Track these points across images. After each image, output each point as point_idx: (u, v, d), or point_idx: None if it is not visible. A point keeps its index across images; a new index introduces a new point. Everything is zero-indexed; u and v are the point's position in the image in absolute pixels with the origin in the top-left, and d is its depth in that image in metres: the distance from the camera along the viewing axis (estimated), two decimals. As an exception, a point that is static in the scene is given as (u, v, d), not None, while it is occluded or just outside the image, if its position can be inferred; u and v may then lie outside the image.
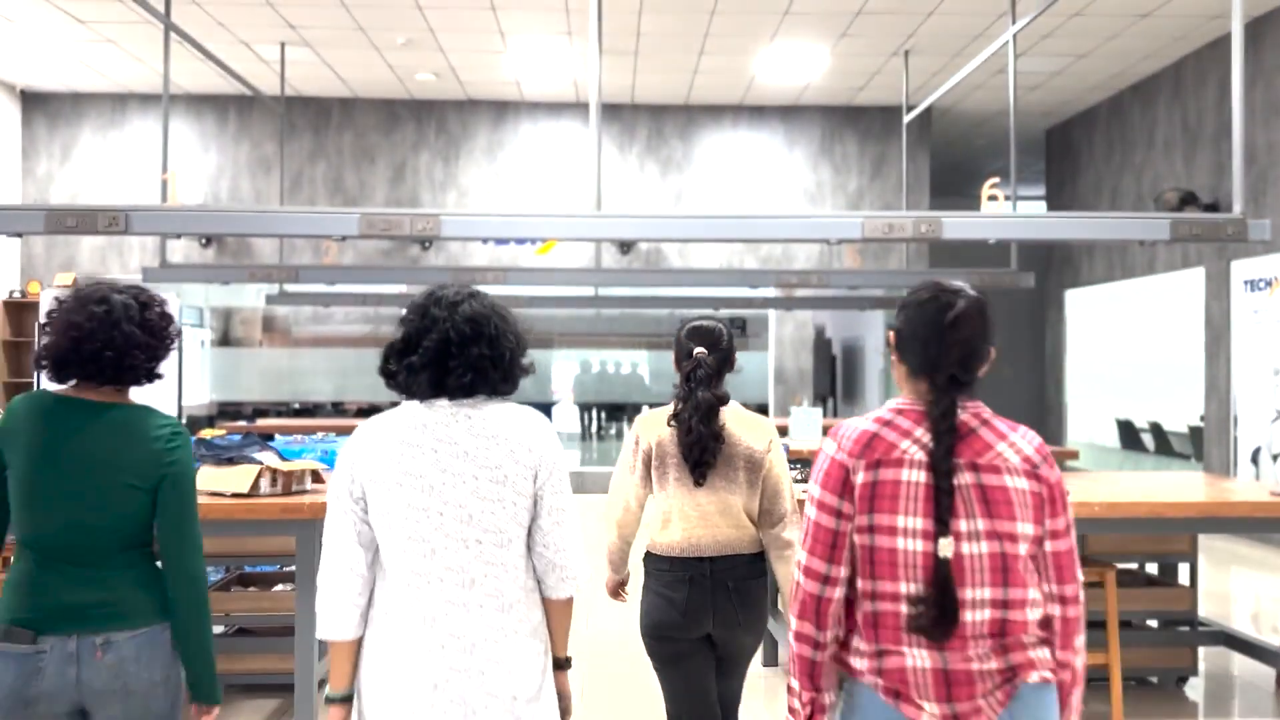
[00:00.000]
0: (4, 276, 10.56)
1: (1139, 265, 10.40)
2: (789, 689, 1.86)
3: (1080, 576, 1.86)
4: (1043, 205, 14.51)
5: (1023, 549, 1.78)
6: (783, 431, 7.88)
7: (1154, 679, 4.79)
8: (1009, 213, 4.20)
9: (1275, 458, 8.10)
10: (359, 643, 2.00)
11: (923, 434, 1.80)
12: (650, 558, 2.85)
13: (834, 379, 15.12)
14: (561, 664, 2.14)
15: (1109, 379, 11.06)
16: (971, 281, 7.46)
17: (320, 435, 7.31)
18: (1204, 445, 9.18)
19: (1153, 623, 4.92)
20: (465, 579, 1.96)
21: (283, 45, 8.98)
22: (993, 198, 4.34)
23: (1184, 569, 5.00)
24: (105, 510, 2.12)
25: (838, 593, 1.81)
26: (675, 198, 11.21)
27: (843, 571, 1.81)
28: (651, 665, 2.85)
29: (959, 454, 1.79)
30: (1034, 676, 1.77)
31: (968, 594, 1.74)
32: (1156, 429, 10.17)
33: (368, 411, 11.19)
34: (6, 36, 8.96)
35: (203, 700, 2.28)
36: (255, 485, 4.00)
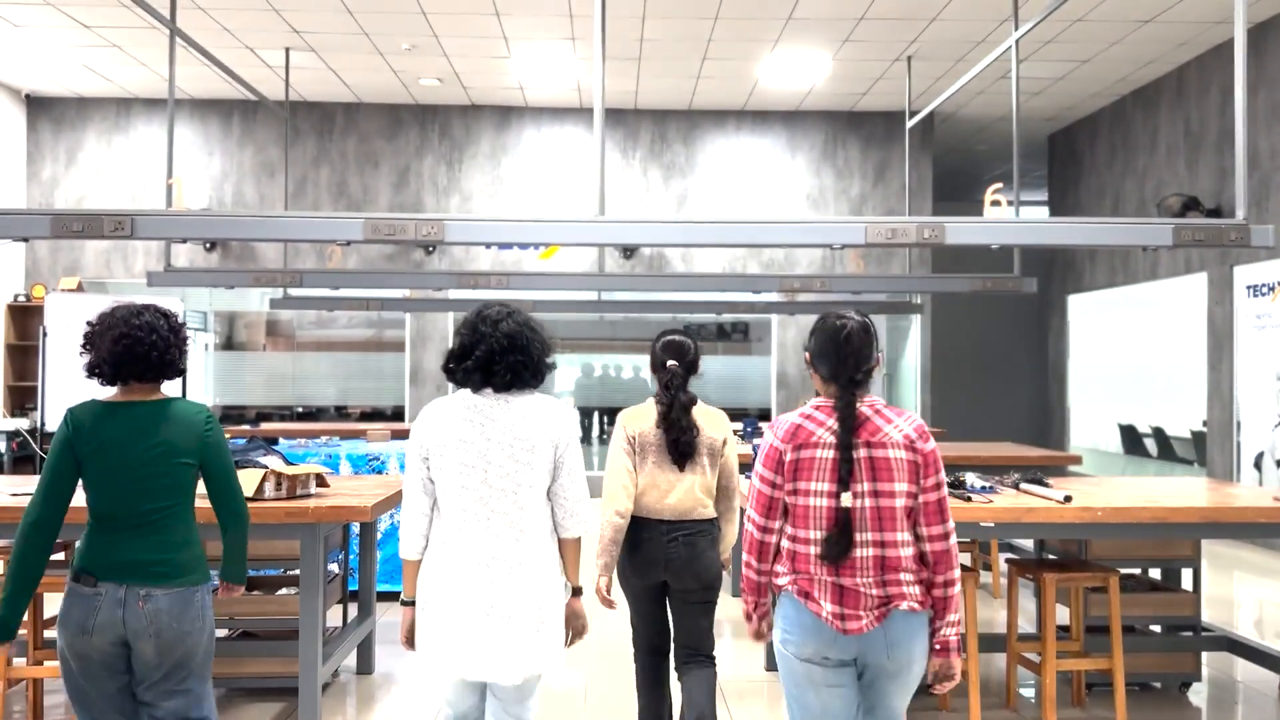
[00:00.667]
0: (9, 280, 10.59)
1: (1142, 270, 10.40)
2: (744, 599, 2.64)
3: (949, 520, 2.50)
4: (1045, 210, 14.51)
5: (899, 503, 2.46)
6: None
7: (1157, 684, 4.79)
8: (1011, 218, 4.20)
9: (1278, 463, 8.10)
10: (420, 563, 2.77)
11: (833, 423, 2.50)
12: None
13: (837, 384, 15.12)
14: (575, 591, 2.90)
15: (1112, 384, 11.05)
16: (974, 287, 7.44)
17: (324, 439, 7.33)
18: (1207, 450, 9.17)
19: (1156, 628, 4.92)
20: (506, 520, 2.70)
21: (287, 50, 9.01)
22: (995, 203, 4.35)
23: (1187, 574, 4.99)
24: (164, 485, 2.76)
25: (774, 538, 2.55)
26: (678, 202, 11.23)
27: (777, 524, 2.55)
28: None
29: (858, 435, 2.47)
30: (904, 605, 2.44)
31: (857, 536, 2.45)
32: (1159, 434, 10.17)
33: (370, 415, 11.22)
34: (12, 41, 8.99)
35: (232, 581, 3.04)
36: (260, 489, 4.02)
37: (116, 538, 2.73)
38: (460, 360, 2.72)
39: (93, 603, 2.68)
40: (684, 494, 3.48)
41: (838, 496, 2.43)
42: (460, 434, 2.68)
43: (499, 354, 2.69)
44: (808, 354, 2.65)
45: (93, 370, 2.81)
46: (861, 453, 2.45)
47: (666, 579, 3.48)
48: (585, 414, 11.91)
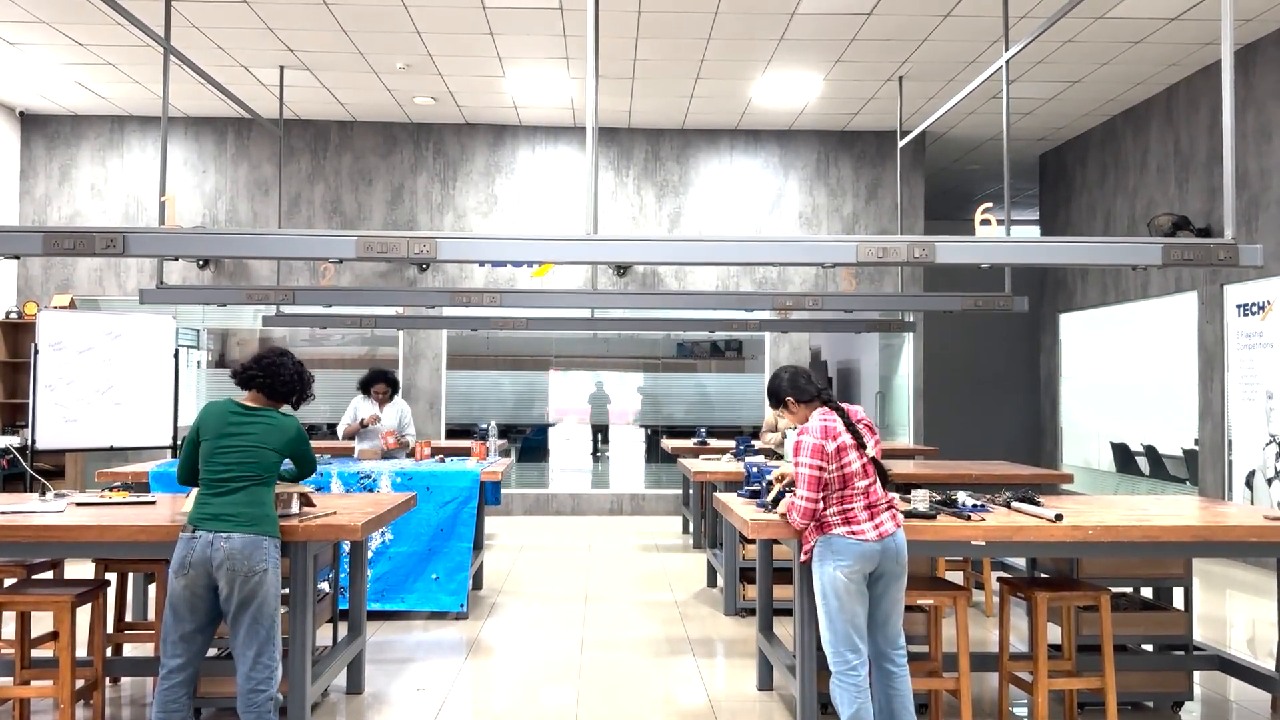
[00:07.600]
0: (1, 297, 10.57)
1: (1133, 289, 10.45)
2: (789, 516, 3.77)
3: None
4: (1036, 229, 14.58)
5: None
6: (778, 454, 7.87)
7: (1149, 703, 4.78)
8: (1002, 237, 4.22)
9: (1270, 481, 8.12)
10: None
11: (835, 418, 3.76)
12: None
13: (830, 402, 15.08)
14: None
15: (1104, 402, 11.08)
16: (966, 305, 7.44)
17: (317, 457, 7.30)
18: (1199, 468, 9.19)
19: (1148, 647, 4.92)
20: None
21: (281, 69, 9.05)
22: (986, 222, 4.37)
23: (1179, 593, 4.99)
24: (255, 463, 3.72)
25: (819, 506, 3.71)
26: (671, 221, 11.26)
27: (821, 494, 3.71)
28: None
29: (851, 419, 3.79)
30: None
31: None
32: (1151, 452, 10.19)
33: (363, 433, 11.15)
34: (6, 58, 9.01)
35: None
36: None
37: (212, 498, 3.68)
38: None
39: (190, 544, 3.59)
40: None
41: (863, 454, 3.71)
42: None
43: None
44: (789, 398, 3.83)
45: (234, 374, 3.93)
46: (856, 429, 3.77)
47: None
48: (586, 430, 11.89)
